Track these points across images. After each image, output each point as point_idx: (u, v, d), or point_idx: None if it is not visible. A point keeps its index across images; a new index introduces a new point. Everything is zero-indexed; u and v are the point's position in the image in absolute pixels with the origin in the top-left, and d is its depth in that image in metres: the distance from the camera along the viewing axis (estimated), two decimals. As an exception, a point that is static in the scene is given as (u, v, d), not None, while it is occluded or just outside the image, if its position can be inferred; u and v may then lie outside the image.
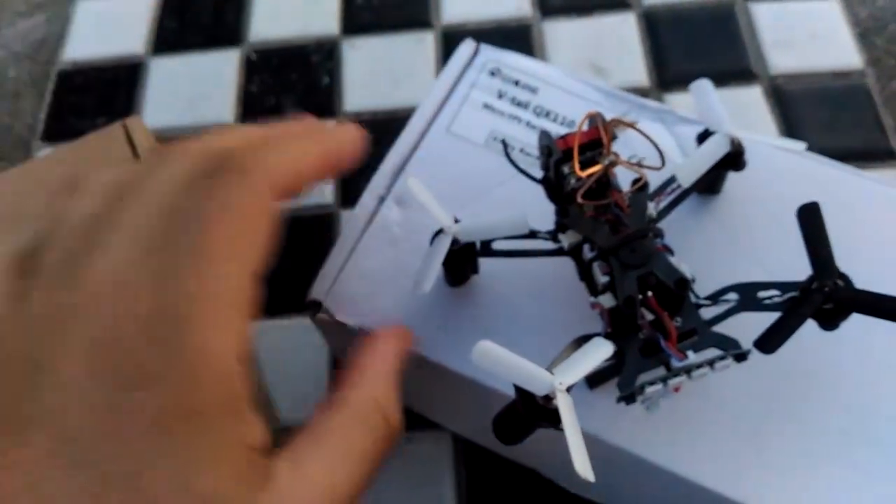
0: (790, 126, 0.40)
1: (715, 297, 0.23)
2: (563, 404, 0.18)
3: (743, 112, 0.41)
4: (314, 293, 0.28)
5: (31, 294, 0.16)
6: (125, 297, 0.15)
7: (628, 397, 0.20)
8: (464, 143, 0.31)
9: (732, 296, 0.23)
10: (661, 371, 0.21)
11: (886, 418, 0.24)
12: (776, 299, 0.22)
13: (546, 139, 0.24)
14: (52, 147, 0.44)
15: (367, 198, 0.30)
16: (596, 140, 0.23)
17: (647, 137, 0.23)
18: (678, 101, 0.42)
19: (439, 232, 0.25)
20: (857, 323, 0.21)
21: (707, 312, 0.22)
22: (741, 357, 0.21)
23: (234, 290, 0.16)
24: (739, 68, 0.42)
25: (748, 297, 0.22)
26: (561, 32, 0.45)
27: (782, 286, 0.22)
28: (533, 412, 0.19)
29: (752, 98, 0.41)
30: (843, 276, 0.21)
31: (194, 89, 0.45)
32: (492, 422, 0.21)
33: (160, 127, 0.43)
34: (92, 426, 0.14)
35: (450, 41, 0.46)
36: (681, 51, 0.44)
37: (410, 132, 0.31)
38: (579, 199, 0.22)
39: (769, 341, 0.21)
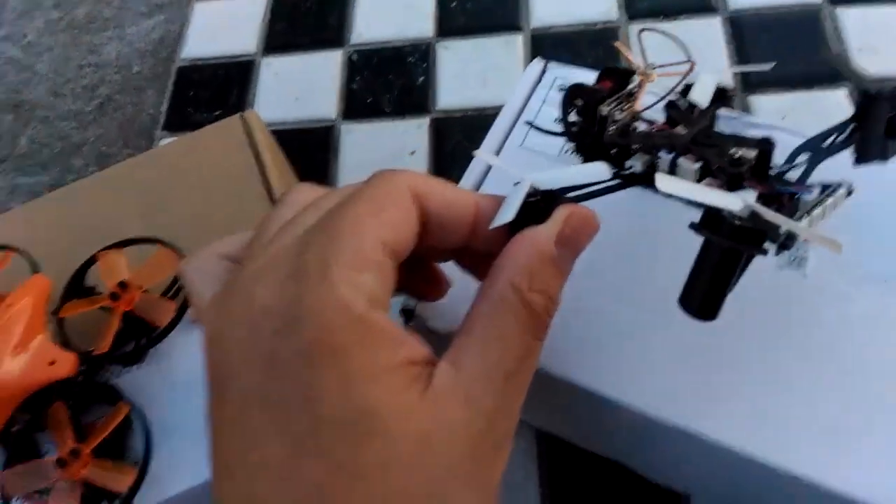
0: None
1: (791, 160, 0.24)
2: (765, 211, 0.18)
3: (825, 113, 0.42)
4: (406, 302, 0.29)
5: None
6: (278, 265, 0.19)
7: (785, 241, 0.20)
8: (538, 157, 0.32)
9: (802, 158, 0.23)
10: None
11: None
12: (841, 137, 0.23)
13: (578, 87, 0.25)
14: (172, 136, 0.49)
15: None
16: (613, 88, 0.24)
17: (668, 35, 0.25)
18: (762, 102, 0.43)
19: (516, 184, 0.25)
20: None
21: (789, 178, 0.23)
22: (850, 190, 0.22)
23: (357, 254, 0.18)
24: (826, 71, 0.43)
25: (817, 150, 0.23)
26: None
27: (838, 128, 0.23)
28: (737, 235, 0.19)
29: (837, 100, 0.42)
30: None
31: (300, 86, 0.49)
32: (679, 301, 0.21)
33: (269, 121, 0.47)
34: (252, 385, 0.17)
35: (538, 43, 0.48)
36: (767, 54, 0.45)
37: (486, 149, 0.33)
38: (639, 122, 0.24)
39: (867, 151, 0.22)
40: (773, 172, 0.23)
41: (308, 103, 0.48)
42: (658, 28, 0.24)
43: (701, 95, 0.25)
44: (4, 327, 0.28)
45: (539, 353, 0.20)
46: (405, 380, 0.18)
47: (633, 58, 0.24)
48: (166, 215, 0.37)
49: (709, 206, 0.19)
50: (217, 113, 0.49)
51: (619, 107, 0.25)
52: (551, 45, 0.48)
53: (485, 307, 0.20)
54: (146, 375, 0.31)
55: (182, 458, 0.28)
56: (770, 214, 0.18)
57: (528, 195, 0.22)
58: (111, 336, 0.30)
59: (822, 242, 0.18)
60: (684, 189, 0.19)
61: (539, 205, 0.23)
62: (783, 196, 0.21)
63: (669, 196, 0.20)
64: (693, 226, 0.20)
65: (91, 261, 0.32)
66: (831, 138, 0.24)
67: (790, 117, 0.42)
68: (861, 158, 0.22)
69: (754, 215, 0.19)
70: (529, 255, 0.20)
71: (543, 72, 0.35)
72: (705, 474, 0.30)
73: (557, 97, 0.34)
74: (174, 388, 0.30)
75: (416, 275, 0.24)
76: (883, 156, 0.22)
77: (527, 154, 0.33)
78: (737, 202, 0.19)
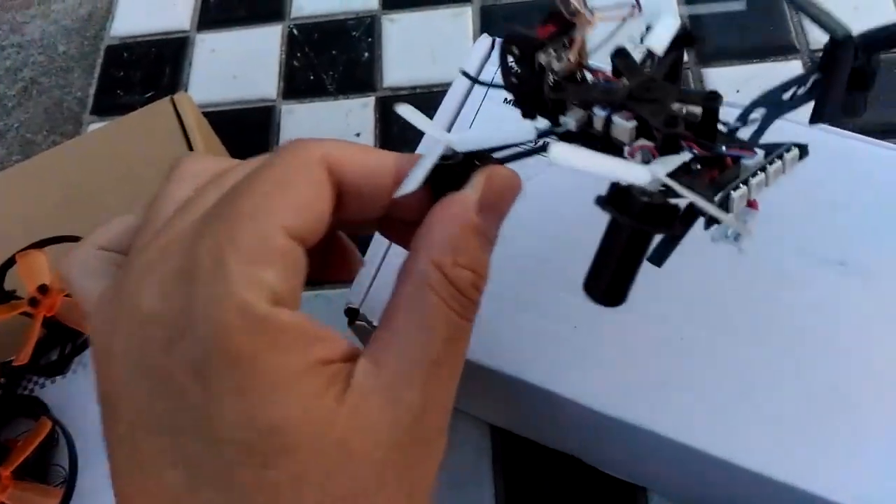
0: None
1: (744, 117, 0.22)
2: (673, 184, 0.16)
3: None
4: (351, 299, 0.28)
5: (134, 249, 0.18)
6: (167, 259, 0.16)
7: (713, 216, 0.17)
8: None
9: (759, 112, 0.22)
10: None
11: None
12: (802, 91, 0.21)
13: (511, 36, 0.22)
14: (102, 121, 0.46)
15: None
16: (556, 31, 0.21)
17: None
18: (716, 74, 0.42)
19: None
20: None
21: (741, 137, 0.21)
22: (804, 149, 0.19)
23: (259, 243, 0.16)
24: (780, 42, 0.42)
25: (775, 103, 0.21)
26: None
27: (801, 78, 0.21)
28: (643, 214, 0.17)
29: (791, 72, 0.41)
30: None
31: (238, 64, 0.46)
32: (583, 285, 0.18)
33: (205, 102, 0.45)
34: (145, 406, 0.15)
35: (488, 15, 0.46)
36: (721, 22, 0.43)
37: (433, 133, 0.31)
38: (582, 71, 0.21)
39: (823, 113, 0.20)
40: (723, 130, 0.20)
41: (246, 82, 0.46)
42: None
43: (658, 40, 0.23)
44: None
45: (469, 335, 0.18)
46: (319, 384, 0.16)
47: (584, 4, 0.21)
48: (93, 208, 0.34)
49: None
50: (149, 94, 0.46)
51: (558, 55, 0.22)
52: (502, 18, 0.46)
53: (406, 289, 0.17)
54: (72, 386, 0.29)
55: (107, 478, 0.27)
56: (681, 189, 0.16)
57: (445, 157, 0.20)
58: (31, 345, 0.28)
59: (735, 226, 0.17)
60: (582, 160, 0.17)
61: (455, 169, 0.21)
62: (724, 158, 0.19)
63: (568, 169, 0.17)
64: (598, 200, 0.17)
65: (10, 262, 0.30)
66: (791, 91, 0.21)
67: (745, 90, 0.41)
68: (816, 116, 0.20)
69: (665, 190, 0.17)
70: (450, 226, 0.18)
71: (492, 48, 0.33)
72: (661, 469, 0.30)
73: (506, 71, 0.32)
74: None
75: (322, 252, 0.21)
76: (847, 113, 0.20)
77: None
78: (644, 175, 0.16)
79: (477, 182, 0.19)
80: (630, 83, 0.21)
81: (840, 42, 0.20)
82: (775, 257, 0.26)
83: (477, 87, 0.32)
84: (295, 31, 0.47)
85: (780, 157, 0.20)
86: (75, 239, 0.30)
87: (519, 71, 0.22)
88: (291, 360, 0.15)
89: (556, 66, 0.22)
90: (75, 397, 0.28)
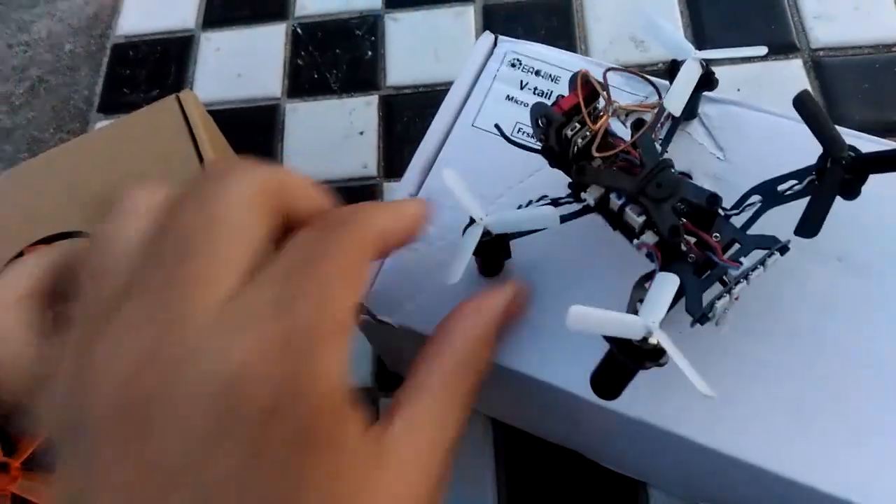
0: (829, 99, 0.40)
1: (740, 205, 0.25)
2: (662, 338, 0.20)
3: (782, 84, 0.41)
4: None
5: (101, 328, 0.15)
6: (244, 328, 0.15)
7: (701, 318, 0.22)
8: (489, 136, 0.31)
9: (755, 199, 0.24)
10: (717, 287, 0.22)
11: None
12: (797, 188, 0.24)
13: (540, 108, 0.25)
14: (108, 119, 0.46)
15: (398, 197, 0.30)
16: (585, 99, 0.25)
17: (640, 75, 0.26)
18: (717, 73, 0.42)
19: (471, 223, 0.25)
20: None
21: (737, 222, 0.24)
22: (784, 249, 0.23)
23: (346, 317, 0.16)
24: (781, 41, 0.42)
25: (770, 194, 0.24)
26: (600, 4, 0.46)
27: (797, 174, 0.24)
28: (635, 356, 0.21)
29: (792, 71, 0.42)
30: (852, 147, 0.23)
31: (243, 63, 0.47)
32: (590, 380, 0.23)
33: (210, 100, 0.45)
34: (228, 475, 0.14)
35: (490, 15, 0.46)
36: (721, 22, 0.44)
37: (436, 130, 0.32)
38: (594, 154, 0.24)
39: (808, 226, 0.23)
40: (722, 214, 0.23)
41: (251, 80, 0.46)
42: (625, 71, 0.27)
43: (677, 102, 0.26)
44: None
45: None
46: (361, 452, 0.16)
47: (600, 89, 0.25)
48: (99, 205, 0.35)
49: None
50: (155, 92, 0.47)
51: (581, 132, 0.25)
52: (504, 17, 0.46)
53: (431, 381, 0.20)
54: None
55: None
56: (667, 346, 0.20)
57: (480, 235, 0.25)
58: None
59: (698, 385, 0.20)
60: (592, 325, 0.20)
61: (492, 243, 0.26)
62: (712, 261, 0.23)
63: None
64: (605, 337, 0.21)
65: (19, 256, 0.31)
66: (788, 184, 0.24)
67: (745, 89, 0.41)
68: (800, 230, 0.23)
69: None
70: (473, 338, 0.22)
71: (494, 46, 0.33)
72: (661, 463, 0.30)
73: (508, 72, 0.32)
74: None
75: None
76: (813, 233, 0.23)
77: (477, 134, 0.31)
78: (638, 331, 0.20)
79: (502, 296, 0.24)
80: (638, 178, 0.23)
81: (838, 161, 0.23)
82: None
83: (480, 83, 0.33)
84: (299, 30, 0.48)
85: (763, 262, 0.23)
86: (83, 235, 0.30)
87: (546, 135, 0.25)
88: (358, 437, 0.16)
89: (580, 142, 0.25)
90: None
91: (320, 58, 0.46)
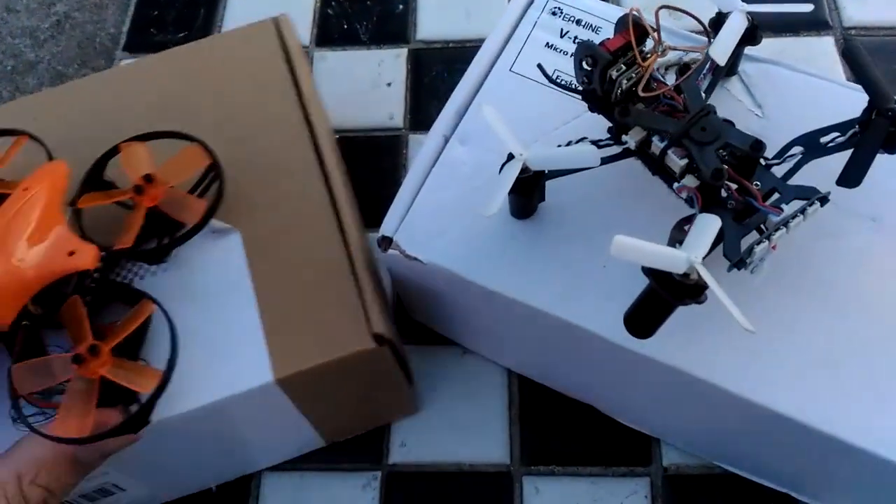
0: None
1: (781, 155, 0.25)
2: (703, 273, 0.20)
3: (812, 61, 0.41)
4: (384, 230, 0.29)
5: None
6: None
7: (738, 263, 0.22)
8: (526, 82, 0.31)
9: (797, 150, 0.24)
10: (754, 235, 0.22)
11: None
12: (839, 140, 0.24)
13: (588, 47, 0.25)
14: (133, 58, 0.46)
15: (432, 137, 0.31)
16: (629, 43, 0.24)
17: (690, 14, 0.25)
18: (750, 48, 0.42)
19: (509, 159, 0.25)
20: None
21: (777, 172, 0.24)
22: (824, 200, 0.23)
23: None
24: (814, 17, 0.42)
25: (812, 145, 0.24)
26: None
27: (840, 127, 0.24)
28: (676, 291, 0.21)
29: (823, 48, 0.42)
30: None
31: (272, 9, 0.46)
32: (624, 318, 0.22)
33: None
34: None
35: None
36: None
37: (473, 72, 0.32)
38: (641, 93, 0.24)
39: (852, 175, 0.23)
40: (763, 163, 0.24)
41: (280, 28, 0.46)
42: (676, 10, 0.26)
43: (722, 50, 0.26)
44: (21, 213, 0.25)
45: None
46: None
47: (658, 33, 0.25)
48: (187, 115, 0.33)
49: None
50: (182, 35, 0.46)
51: (627, 73, 0.25)
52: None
53: None
54: (165, 279, 0.29)
55: (202, 370, 0.27)
56: (709, 280, 0.20)
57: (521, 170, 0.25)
58: (135, 231, 0.27)
59: (739, 319, 0.20)
60: (635, 254, 0.20)
61: (529, 181, 0.25)
62: (752, 208, 0.23)
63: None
64: (644, 269, 0.21)
65: (112, 151, 0.30)
66: (830, 136, 0.24)
67: (777, 62, 0.41)
68: (843, 180, 0.23)
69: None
70: (45, 450, 0.23)
71: (529, 4, 0.33)
72: (682, 419, 0.30)
73: (549, 20, 0.32)
74: (195, 295, 0.28)
75: None
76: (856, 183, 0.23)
77: (515, 79, 0.31)
78: (681, 265, 0.20)
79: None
80: (685, 121, 0.23)
81: (884, 112, 0.23)
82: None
83: (519, 30, 0.33)
84: (330, -20, 0.47)
85: (803, 211, 0.23)
86: (180, 136, 0.29)
87: (590, 77, 0.25)
88: None
89: (624, 84, 0.25)
90: (168, 290, 0.28)
91: (351, 8, 0.46)
